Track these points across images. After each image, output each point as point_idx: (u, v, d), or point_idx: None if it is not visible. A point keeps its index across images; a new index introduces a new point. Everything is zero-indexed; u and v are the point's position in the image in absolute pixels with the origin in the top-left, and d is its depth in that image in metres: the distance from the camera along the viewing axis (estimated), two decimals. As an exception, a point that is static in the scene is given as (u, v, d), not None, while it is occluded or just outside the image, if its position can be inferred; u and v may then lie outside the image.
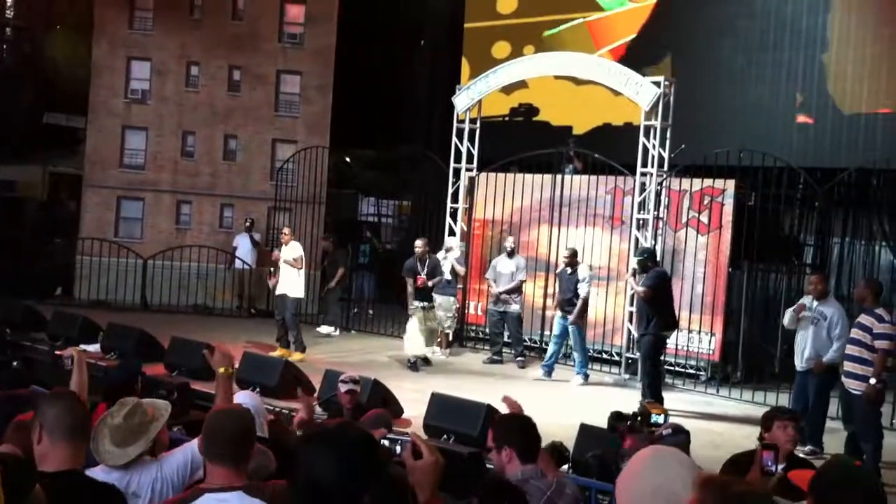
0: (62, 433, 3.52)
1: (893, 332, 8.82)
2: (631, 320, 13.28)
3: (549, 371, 13.05)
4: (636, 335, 12.45)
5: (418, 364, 13.26)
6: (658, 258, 12.53)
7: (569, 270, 12.94)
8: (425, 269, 13.26)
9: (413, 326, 13.36)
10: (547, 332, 14.33)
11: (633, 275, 11.99)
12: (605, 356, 13.85)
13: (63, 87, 23.09)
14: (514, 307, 14.01)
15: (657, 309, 11.49)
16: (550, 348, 13.23)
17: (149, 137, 19.86)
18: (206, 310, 18.13)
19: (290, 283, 13.74)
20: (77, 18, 23.74)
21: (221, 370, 4.66)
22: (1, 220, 20.65)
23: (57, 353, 8.19)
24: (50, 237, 21.12)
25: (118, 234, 19.58)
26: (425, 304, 13.34)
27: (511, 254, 14.06)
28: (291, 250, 13.74)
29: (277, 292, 13.90)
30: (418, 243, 13.54)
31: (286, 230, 14.15)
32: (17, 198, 23.15)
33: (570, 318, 12.80)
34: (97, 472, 3.96)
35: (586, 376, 12.87)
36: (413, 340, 13.35)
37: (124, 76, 19.85)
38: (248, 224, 18.82)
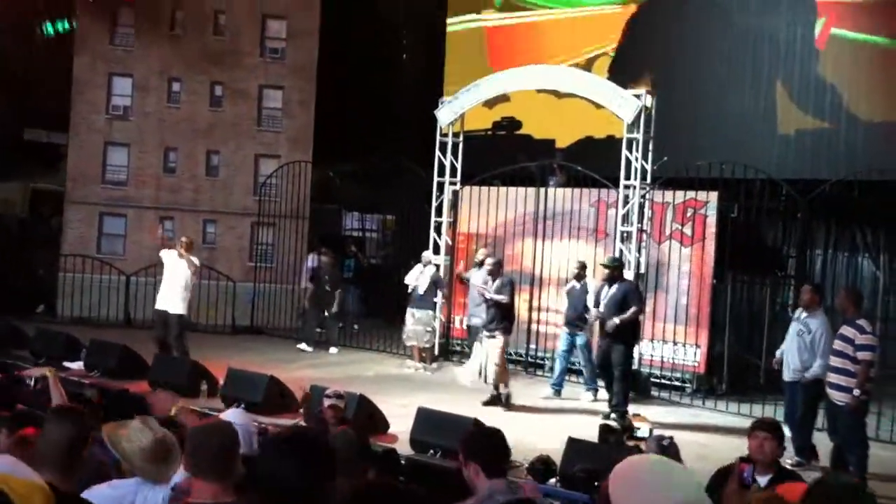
0: (56, 458, 3.59)
1: (875, 344, 8.84)
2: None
3: (559, 390, 12.58)
4: (597, 342, 11.92)
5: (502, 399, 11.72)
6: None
7: (578, 285, 12.58)
8: (494, 286, 11.82)
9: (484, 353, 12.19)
10: (532, 346, 14.34)
11: (598, 305, 11.44)
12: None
13: (43, 102, 22.97)
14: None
15: (632, 321, 11.44)
16: (559, 366, 12.67)
17: (131, 153, 19.82)
18: (190, 326, 17.94)
19: (174, 298, 12.64)
20: (58, 33, 23.66)
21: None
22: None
23: (19, 372, 7.55)
24: (32, 254, 20.96)
25: (100, 250, 19.48)
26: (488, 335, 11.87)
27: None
28: (193, 259, 12.70)
29: (158, 307, 12.84)
30: (489, 260, 12.34)
31: (184, 239, 12.96)
32: (-2, 214, 22.98)
33: (584, 333, 12.45)
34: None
35: (596, 391, 12.43)
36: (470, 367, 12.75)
37: (106, 92, 19.81)
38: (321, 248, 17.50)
